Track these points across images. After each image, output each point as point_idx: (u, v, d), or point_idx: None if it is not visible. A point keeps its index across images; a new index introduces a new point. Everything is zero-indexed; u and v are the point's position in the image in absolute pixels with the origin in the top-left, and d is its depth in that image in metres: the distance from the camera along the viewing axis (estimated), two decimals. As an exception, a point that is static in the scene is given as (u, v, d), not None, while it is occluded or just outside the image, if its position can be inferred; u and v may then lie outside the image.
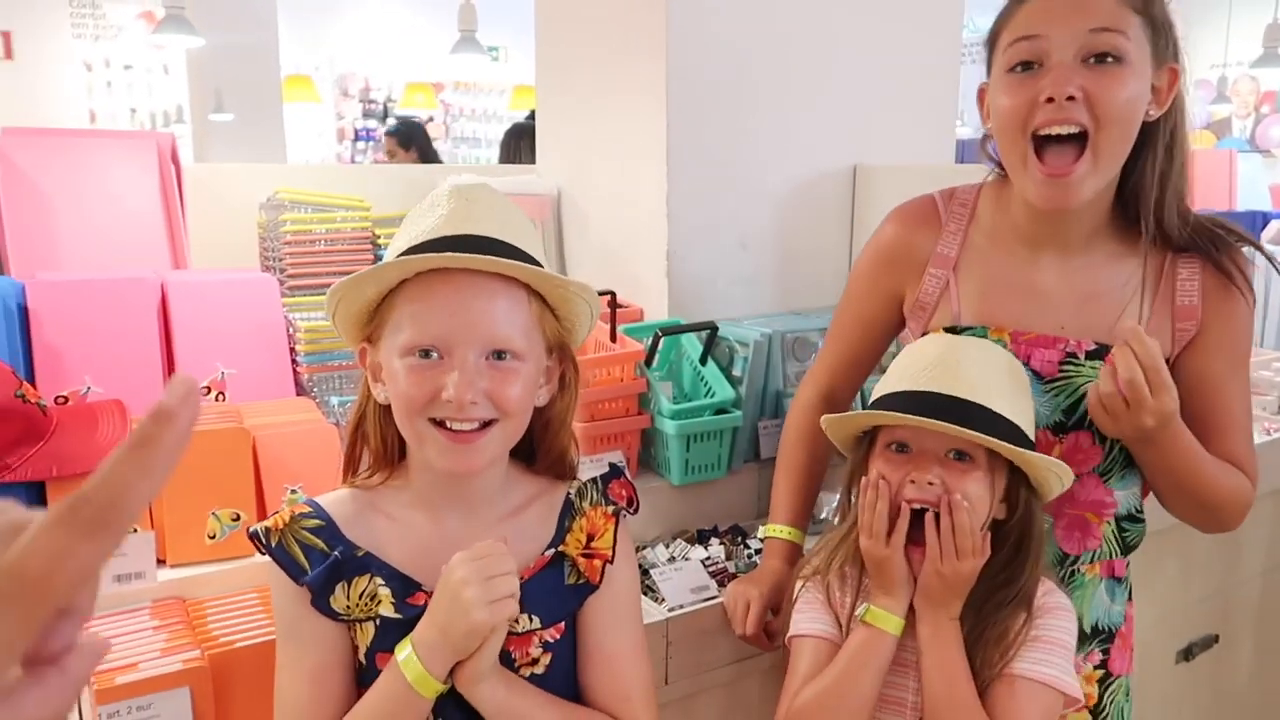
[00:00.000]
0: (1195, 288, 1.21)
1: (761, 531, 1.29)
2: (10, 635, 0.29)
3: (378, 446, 1.06)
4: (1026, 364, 1.23)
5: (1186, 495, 1.21)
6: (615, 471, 1.13)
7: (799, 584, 1.25)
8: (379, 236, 1.99)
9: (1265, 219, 3.13)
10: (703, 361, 1.85)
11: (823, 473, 1.49)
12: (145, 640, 1.22)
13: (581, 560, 1.05)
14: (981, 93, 1.26)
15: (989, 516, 1.12)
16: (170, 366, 1.64)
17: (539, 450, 1.10)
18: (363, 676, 1.02)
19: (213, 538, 1.39)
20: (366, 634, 1.01)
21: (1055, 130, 1.11)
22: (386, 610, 0.99)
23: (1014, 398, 1.13)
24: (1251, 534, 2.32)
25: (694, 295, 1.98)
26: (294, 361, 1.73)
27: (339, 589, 0.99)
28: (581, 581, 1.06)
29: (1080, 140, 1.11)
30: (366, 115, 9.34)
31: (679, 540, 1.79)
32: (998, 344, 1.23)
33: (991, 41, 1.21)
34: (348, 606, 1.00)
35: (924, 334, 1.32)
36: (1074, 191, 1.13)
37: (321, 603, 0.99)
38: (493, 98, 9.72)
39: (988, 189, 1.31)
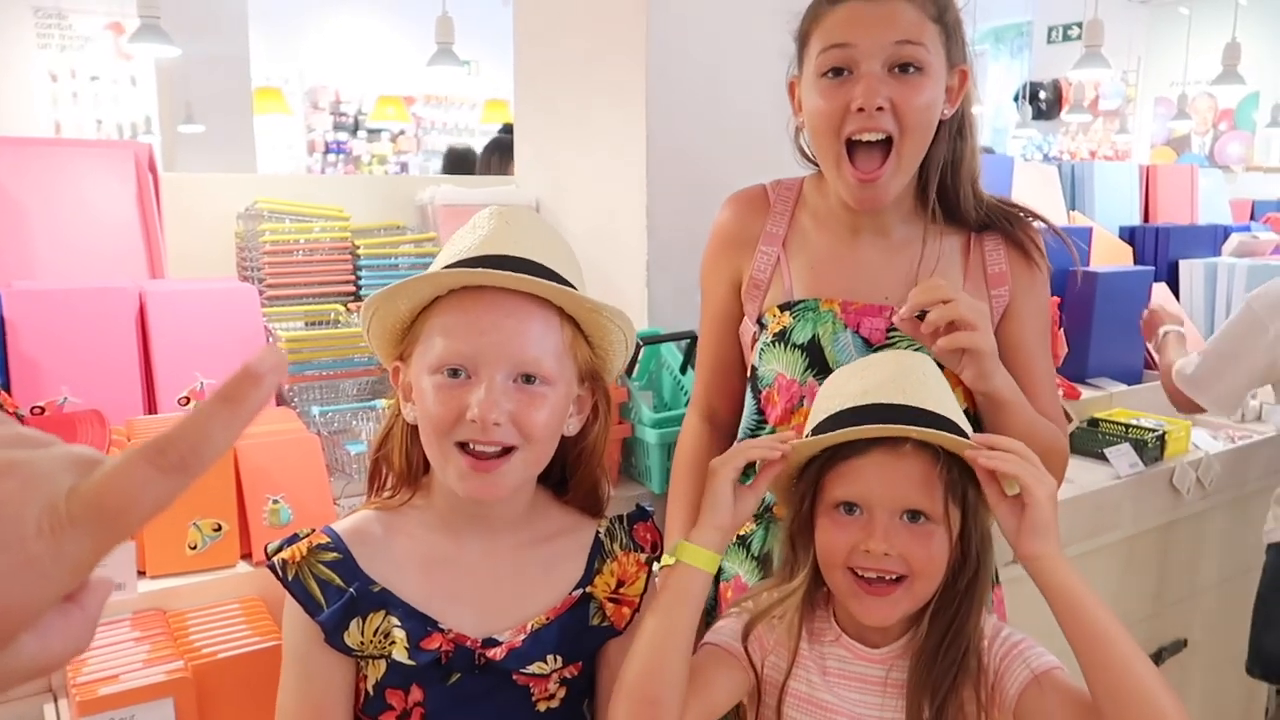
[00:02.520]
0: (1001, 257, 1.31)
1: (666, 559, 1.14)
2: (84, 559, 0.30)
3: (402, 467, 1.06)
4: (855, 331, 1.29)
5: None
6: (641, 514, 1.12)
7: (732, 610, 1.15)
8: (358, 247, 1.99)
9: (1226, 232, 3.21)
10: (683, 370, 1.87)
11: None
12: (127, 651, 1.21)
13: (609, 604, 1.06)
14: (792, 86, 1.34)
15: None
16: (149, 376, 1.63)
17: (570, 481, 1.09)
18: (368, 706, 1.01)
19: (194, 548, 1.38)
20: (378, 669, 0.99)
21: (866, 137, 1.20)
22: (400, 655, 0.98)
23: (955, 407, 1.05)
24: (1214, 541, 2.37)
25: (674, 305, 1.99)
26: (274, 371, 1.72)
27: (353, 624, 0.99)
28: (605, 624, 1.06)
29: (886, 144, 1.21)
30: (337, 128, 9.30)
31: (660, 548, 1.80)
32: (828, 314, 1.29)
33: (802, 40, 1.29)
34: (361, 643, 0.99)
35: (759, 318, 1.35)
36: (882, 192, 1.23)
37: (335, 639, 0.98)
38: (464, 111, 9.72)
39: (811, 178, 1.39)
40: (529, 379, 0.97)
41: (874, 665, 1.06)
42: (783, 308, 1.33)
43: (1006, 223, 1.32)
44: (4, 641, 0.29)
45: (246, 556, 1.42)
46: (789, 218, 1.38)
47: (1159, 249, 3.03)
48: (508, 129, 5.85)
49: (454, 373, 0.96)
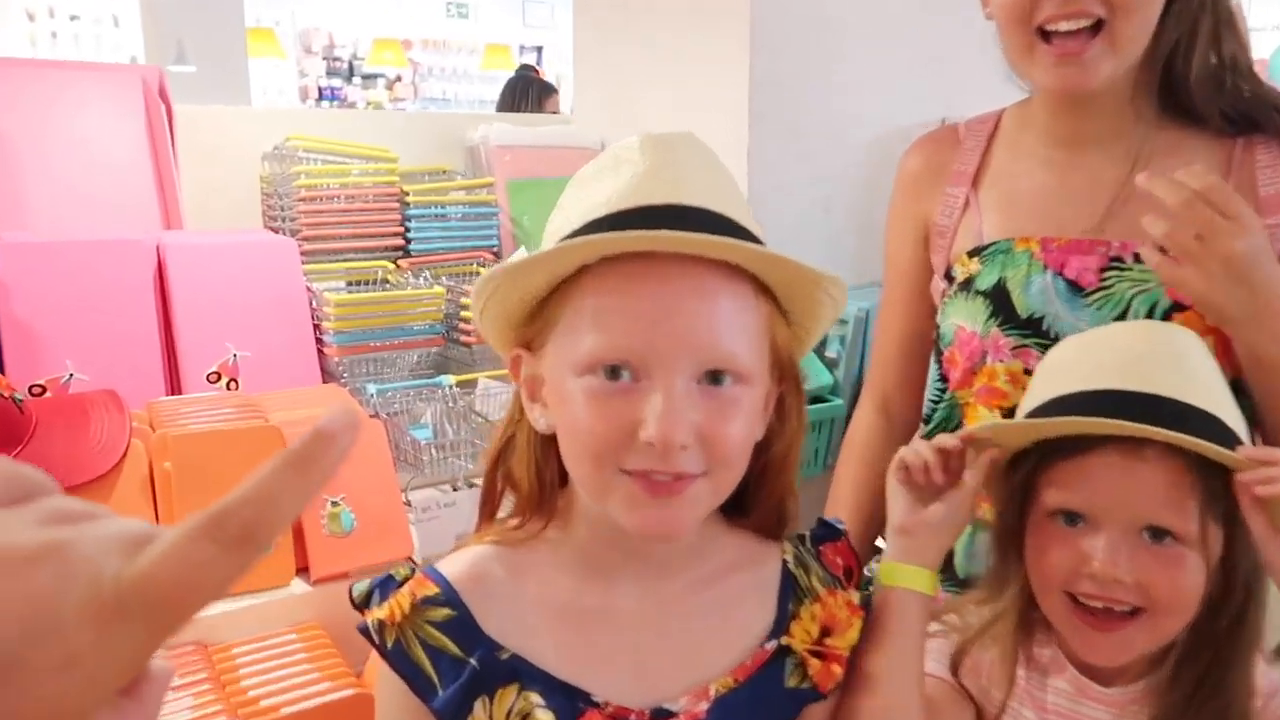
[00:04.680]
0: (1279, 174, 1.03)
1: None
2: (135, 653, 0.27)
3: (530, 488, 0.77)
4: (1059, 274, 1.04)
5: None
6: (830, 531, 0.84)
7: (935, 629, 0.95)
8: (407, 194, 1.70)
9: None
10: (792, 341, 1.61)
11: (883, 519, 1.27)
12: (165, 703, 0.95)
13: (812, 660, 0.79)
14: None
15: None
16: (170, 348, 1.35)
17: (750, 499, 0.81)
18: None
19: (239, 564, 1.11)
20: None
21: (1064, 26, 0.97)
22: None
23: (1224, 397, 0.84)
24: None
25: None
26: (319, 341, 1.45)
27: (478, 706, 0.72)
28: (807, 686, 0.79)
29: (1095, 29, 0.97)
30: (331, 73, 8.88)
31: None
32: (1023, 256, 1.05)
33: None
34: None
35: (947, 271, 1.13)
36: (1090, 72, 0.98)
37: None
38: (463, 56, 9.31)
39: (1013, 106, 1.17)
40: (717, 378, 0.69)
41: (1104, 708, 0.85)
42: (972, 253, 1.10)
43: None
44: None
45: (302, 572, 1.16)
46: (981, 153, 1.15)
47: None
48: (524, 70, 5.54)
49: (613, 372, 0.68)
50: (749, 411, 0.70)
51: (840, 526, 0.85)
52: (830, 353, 1.62)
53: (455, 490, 1.33)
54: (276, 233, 1.67)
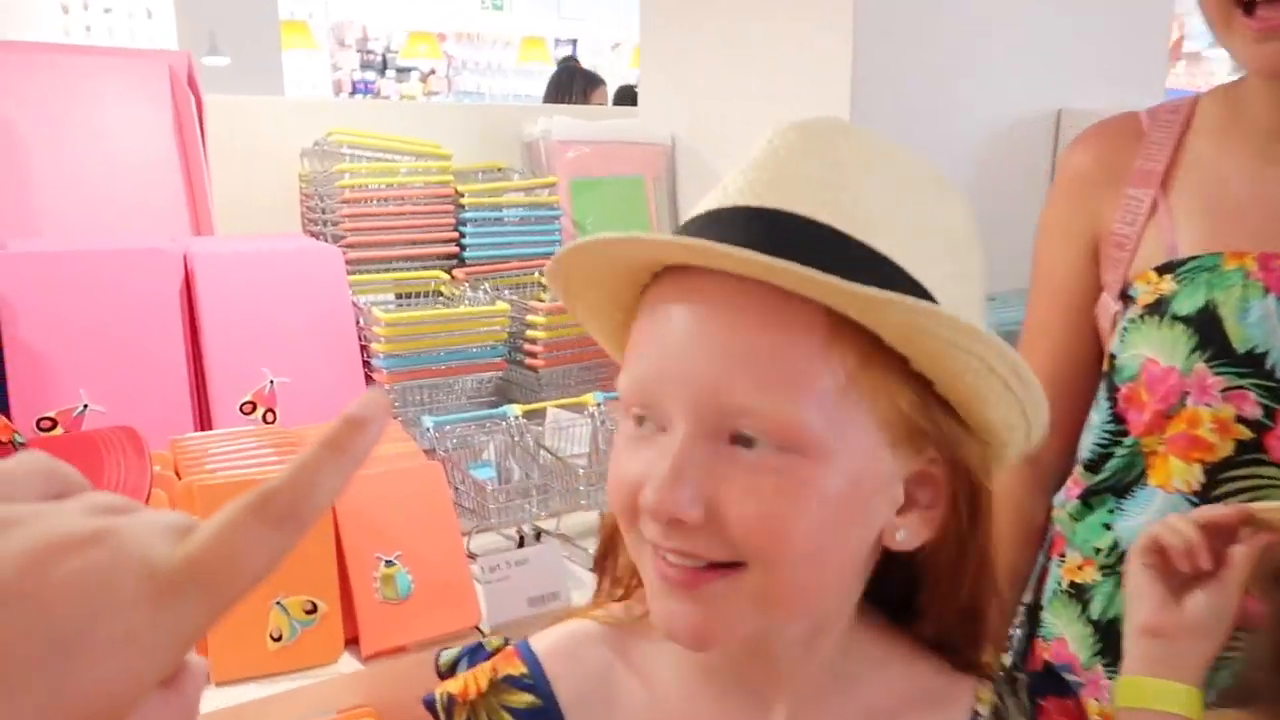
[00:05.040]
0: None
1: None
2: (189, 630, 0.27)
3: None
4: None
5: None
6: (1057, 684, 0.64)
7: None
8: (462, 195, 1.52)
9: None
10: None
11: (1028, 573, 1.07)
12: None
13: None
14: None
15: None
16: (198, 373, 1.18)
17: (923, 608, 0.60)
18: None
19: (278, 639, 0.94)
20: None
21: None
22: None
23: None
24: None
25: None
26: (366, 365, 1.27)
27: None
28: None
29: None
30: (364, 66, 8.75)
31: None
32: (1236, 275, 0.87)
33: None
34: None
35: (1124, 289, 0.95)
36: None
37: None
38: (497, 50, 9.16)
39: (1214, 90, 1.00)
40: (747, 440, 0.50)
41: None
42: (1162, 270, 0.92)
43: None
44: None
45: (352, 645, 0.98)
46: (1172, 148, 0.97)
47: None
48: (567, 61, 5.36)
49: (640, 416, 0.54)
50: (818, 494, 0.50)
51: (1073, 680, 0.65)
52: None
53: (522, 543, 1.15)
54: (316, 238, 1.50)
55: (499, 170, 1.72)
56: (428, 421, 1.18)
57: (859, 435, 0.51)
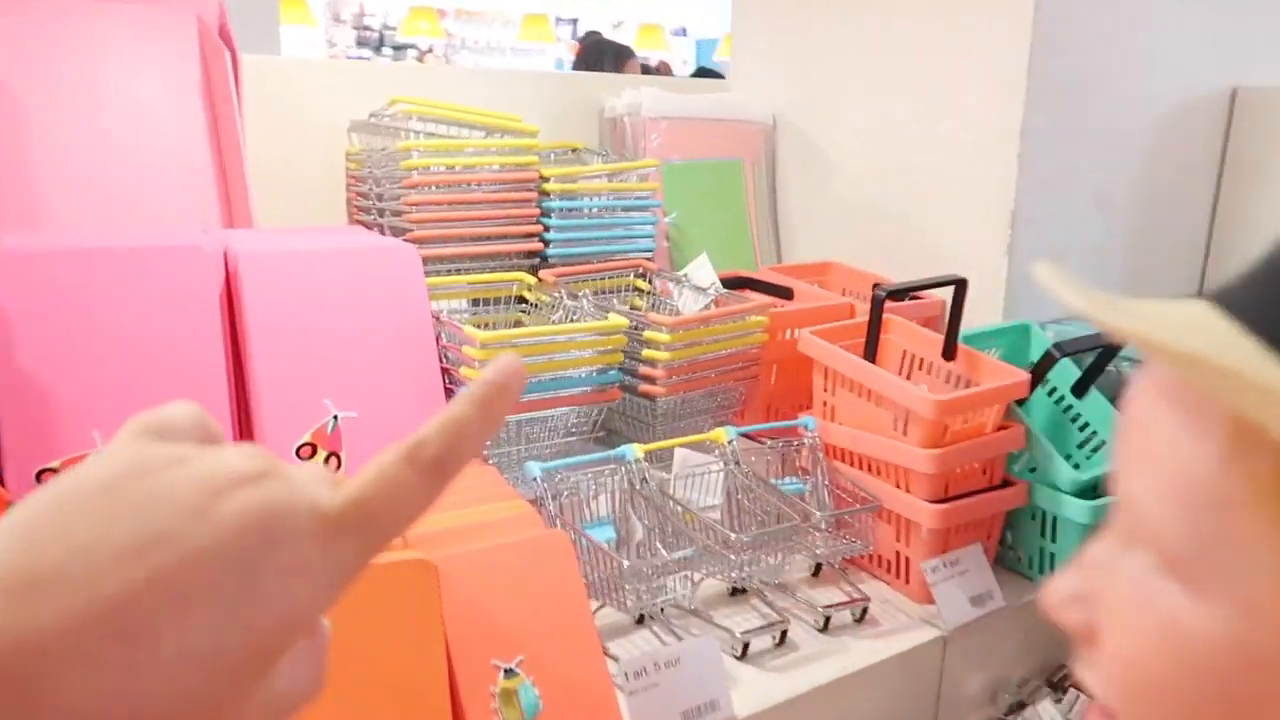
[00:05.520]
0: None
1: None
2: (354, 564, 0.28)
3: None
4: None
5: None
6: None
7: None
8: (546, 180, 1.27)
9: None
10: (1079, 392, 1.17)
11: None
12: None
13: None
14: None
15: None
16: (242, 407, 0.92)
17: None
18: None
19: (372, 786, 0.69)
20: None
21: None
22: None
23: None
24: None
25: (1024, 281, 1.29)
26: (447, 389, 1.02)
27: None
28: None
29: None
30: (360, 44, 8.44)
31: (1075, 690, 1.12)
32: None
33: None
34: None
35: None
36: None
37: None
38: (498, 28, 8.86)
39: None
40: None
41: None
42: None
43: None
44: (272, 659, 0.27)
45: (463, 785, 0.73)
46: None
47: None
48: (594, 34, 5.06)
49: None
50: (1169, 625, 0.36)
51: None
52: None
53: (642, 620, 0.91)
54: (368, 229, 1.24)
55: (573, 151, 1.47)
56: (535, 469, 0.93)
57: (1235, 557, 0.35)
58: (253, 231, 1.05)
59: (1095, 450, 1.16)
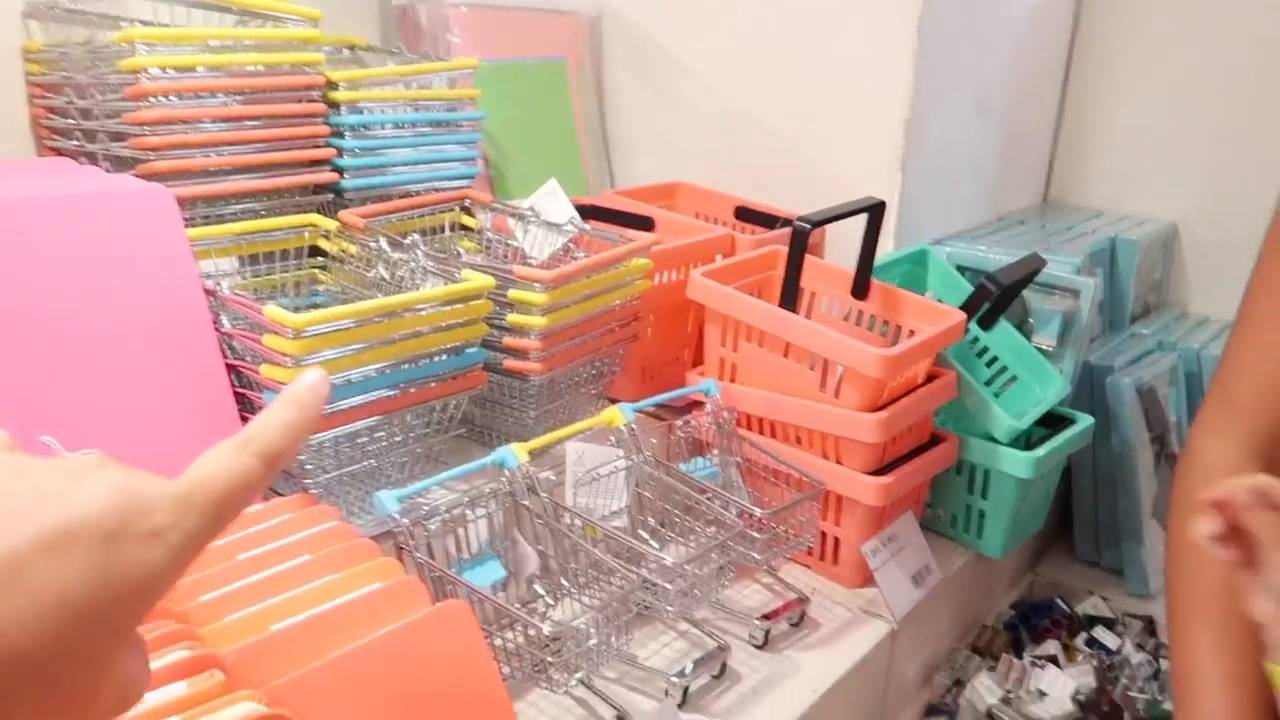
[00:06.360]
0: None
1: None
2: (201, 538, 0.29)
3: None
4: None
5: None
6: None
7: None
8: (334, 87, 0.93)
9: None
10: (986, 324, 1.04)
11: None
12: None
13: None
14: None
15: None
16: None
17: None
18: None
19: None
20: None
21: None
22: None
23: None
24: None
25: (931, 208, 1.14)
26: (238, 394, 0.70)
27: None
28: None
29: None
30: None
31: (1007, 656, 1.01)
32: None
33: None
34: None
35: None
36: None
37: None
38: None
39: None
40: None
41: None
42: None
43: None
44: (130, 625, 0.28)
45: None
46: None
47: None
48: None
49: None
50: None
51: None
52: (1044, 336, 1.07)
53: (589, 696, 0.67)
54: (76, 161, 0.87)
55: (351, 50, 1.13)
56: (388, 503, 0.65)
57: None
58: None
59: (1005, 386, 1.04)
